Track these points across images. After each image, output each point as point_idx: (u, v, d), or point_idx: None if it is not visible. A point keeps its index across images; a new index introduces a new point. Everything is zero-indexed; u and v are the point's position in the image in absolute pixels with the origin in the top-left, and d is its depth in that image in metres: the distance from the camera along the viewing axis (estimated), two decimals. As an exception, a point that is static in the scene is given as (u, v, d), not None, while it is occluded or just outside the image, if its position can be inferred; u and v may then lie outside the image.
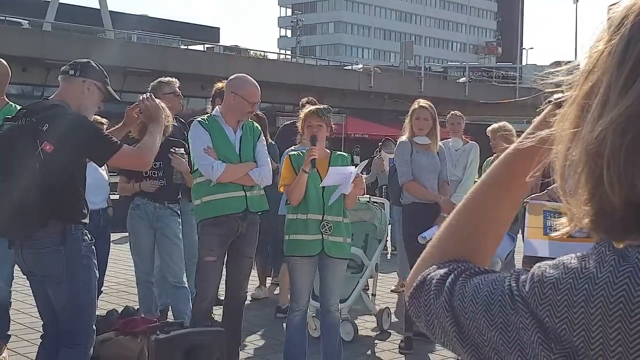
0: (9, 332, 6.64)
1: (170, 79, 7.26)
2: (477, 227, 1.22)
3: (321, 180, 5.66)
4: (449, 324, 1.06)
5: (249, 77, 6.01)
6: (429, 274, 1.15)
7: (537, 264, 0.98)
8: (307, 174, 5.59)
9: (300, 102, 10.01)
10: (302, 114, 5.84)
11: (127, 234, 7.13)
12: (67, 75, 4.64)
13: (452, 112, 9.04)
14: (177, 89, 7.21)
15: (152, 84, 7.03)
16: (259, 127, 6.08)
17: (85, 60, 4.78)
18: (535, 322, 0.94)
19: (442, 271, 1.13)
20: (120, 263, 10.37)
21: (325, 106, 5.87)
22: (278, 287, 8.99)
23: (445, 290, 1.08)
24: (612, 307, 0.87)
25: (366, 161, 6.13)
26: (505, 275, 1.03)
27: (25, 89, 37.91)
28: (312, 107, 5.83)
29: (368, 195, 7.65)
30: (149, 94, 5.15)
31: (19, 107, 6.37)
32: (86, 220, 4.52)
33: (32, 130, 4.30)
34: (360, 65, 54.62)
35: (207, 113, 6.35)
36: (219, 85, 7.06)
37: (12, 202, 4.25)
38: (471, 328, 1.02)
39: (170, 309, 7.06)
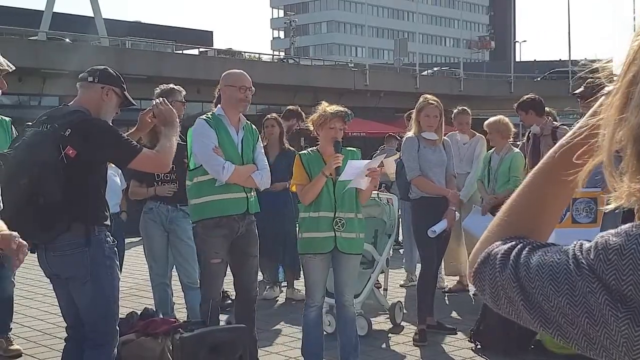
0: (27, 337, 6.78)
1: (175, 86, 7.33)
2: (536, 206, 1.31)
3: (332, 181, 5.73)
4: (515, 294, 1.14)
5: (234, 69, 6.12)
6: (492, 250, 1.24)
7: (600, 234, 1.08)
8: (326, 178, 5.65)
9: (288, 109, 9.98)
10: (322, 110, 5.76)
11: (138, 238, 7.22)
12: (86, 82, 4.72)
13: (458, 107, 9.15)
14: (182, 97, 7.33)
15: (162, 88, 7.07)
16: (257, 130, 6.15)
17: (103, 67, 4.87)
18: (602, 285, 1.03)
19: (505, 246, 1.21)
20: (133, 267, 10.44)
21: (348, 110, 5.82)
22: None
23: (510, 263, 1.17)
24: None
25: (383, 155, 6.14)
26: (568, 246, 1.12)
27: (22, 99, 37.95)
28: (338, 109, 5.74)
29: (376, 192, 7.72)
30: (162, 98, 5.23)
31: (4, 118, 6.52)
32: (108, 222, 4.62)
33: (55, 135, 4.39)
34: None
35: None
36: None
37: (37, 206, 4.33)
38: (538, 296, 1.11)
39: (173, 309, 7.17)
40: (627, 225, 1.06)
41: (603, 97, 1.18)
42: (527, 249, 1.18)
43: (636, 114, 1.04)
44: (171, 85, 7.23)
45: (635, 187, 1.06)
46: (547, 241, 1.24)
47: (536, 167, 1.33)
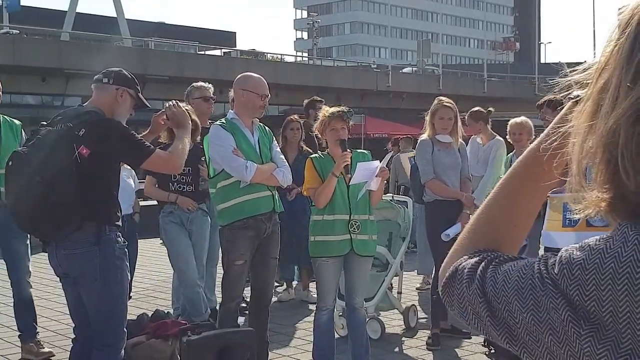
0: (39, 335, 6.76)
1: (202, 84, 7.41)
2: (505, 217, 1.27)
3: (345, 181, 5.71)
4: (482, 309, 1.12)
5: (252, 73, 6.11)
6: (460, 264, 1.21)
7: (565, 248, 1.05)
8: (337, 178, 5.63)
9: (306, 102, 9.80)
10: (322, 116, 5.81)
11: (154, 240, 7.20)
12: (101, 83, 4.77)
13: (473, 109, 8.97)
14: (208, 94, 7.36)
15: (187, 89, 7.25)
16: (271, 131, 6.15)
17: (118, 68, 4.91)
18: (565, 301, 1.00)
19: (472, 260, 1.19)
20: (149, 268, 10.45)
21: (346, 108, 5.86)
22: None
23: (477, 278, 1.14)
24: (638, 283, 0.95)
25: (390, 154, 6.05)
26: (534, 260, 1.09)
27: (45, 99, 38.21)
28: (335, 110, 5.78)
29: (391, 194, 7.68)
30: (174, 101, 5.26)
31: (6, 117, 6.55)
32: (119, 223, 4.64)
33: (69, 135, 4.44)
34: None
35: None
36: None
37: (49, 204, 4.36)
38: (503, 312, 1.08)
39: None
40: (591, 239, 1.03)
41: (570, 103, 1.15)
42: (494, 262, 1.15)
43: (605, 121, 1.01)
44: (200, 83, 7.30)
45: (601, 197, 1.03)
46: (560, 246, 1.21)
47: (503, 178, 1.30)
